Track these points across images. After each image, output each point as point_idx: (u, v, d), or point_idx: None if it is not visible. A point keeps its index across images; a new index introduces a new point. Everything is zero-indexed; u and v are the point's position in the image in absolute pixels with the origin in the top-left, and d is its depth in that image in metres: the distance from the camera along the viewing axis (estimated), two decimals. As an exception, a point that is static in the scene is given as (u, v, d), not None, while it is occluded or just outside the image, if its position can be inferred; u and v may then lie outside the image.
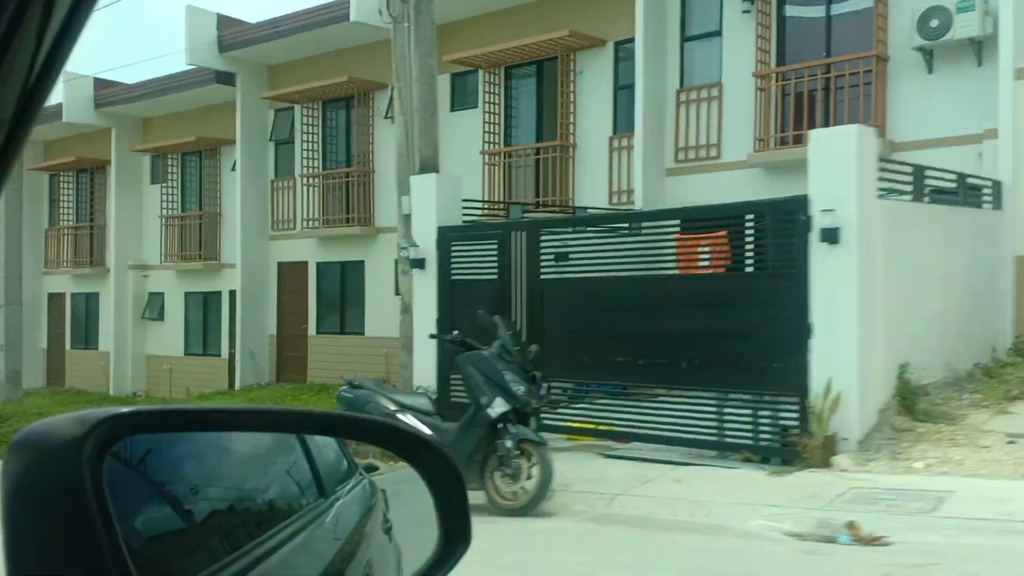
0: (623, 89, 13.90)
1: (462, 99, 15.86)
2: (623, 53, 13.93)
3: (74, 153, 21.82)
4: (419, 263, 9.86)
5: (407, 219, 10.26)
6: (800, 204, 7.46)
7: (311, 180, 17.68)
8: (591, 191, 13.88)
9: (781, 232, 7.58)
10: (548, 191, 14.41)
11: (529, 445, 6.32)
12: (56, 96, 21.62)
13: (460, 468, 1.24)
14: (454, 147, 15.66)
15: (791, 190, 9.25)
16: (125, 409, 0.80)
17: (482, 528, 1.27)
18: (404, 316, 10.12)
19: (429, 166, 10.30)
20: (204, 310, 20.09)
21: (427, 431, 6.62)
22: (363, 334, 17.08)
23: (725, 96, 12.79)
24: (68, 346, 22.97)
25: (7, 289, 14.57)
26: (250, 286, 18.26)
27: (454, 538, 1.19)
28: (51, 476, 0.69)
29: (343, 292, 17.62)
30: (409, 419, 6.72)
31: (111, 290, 21.20)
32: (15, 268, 14.68)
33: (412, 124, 10.20)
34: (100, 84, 20.78)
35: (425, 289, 9.97)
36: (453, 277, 9.83)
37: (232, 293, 19.25)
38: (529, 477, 6.28)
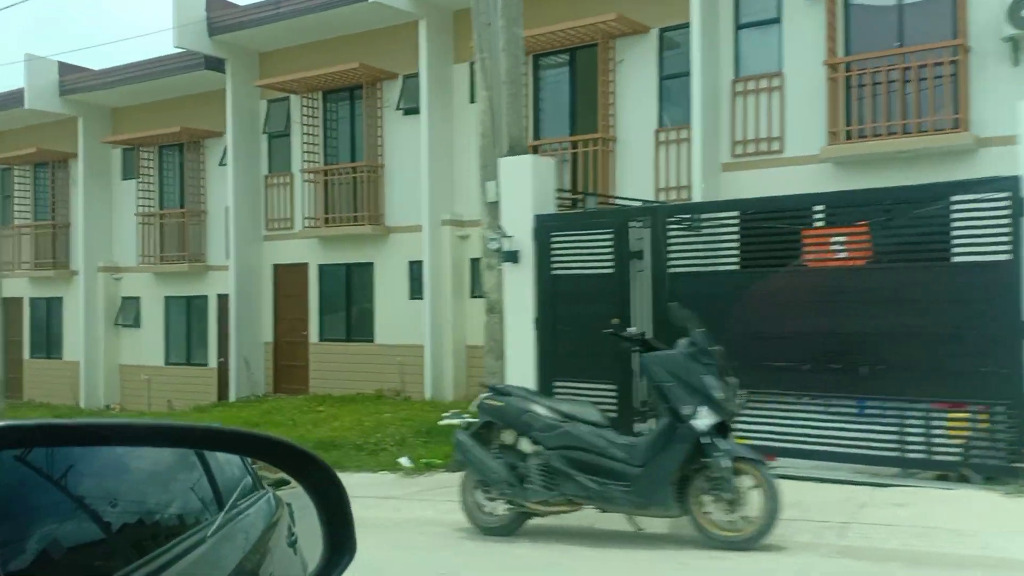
0: (669, 79, 13.06)
1: (485, 89, 14.78)
2: (667, 41, 13.09)
3: (33, 144, 19.97)
4: (512, 256, 8.73)
5: (492, 207, 9.16)
6: (1011, 184, 6.59)
7: (312, 176, 16.37)
8: (633, 187, 12.97)
9: (986, 216, 6.67)
10: (586, 187, 13.47)
11: (745, 464, 5.36)
12: (15, 80, 19.78)
13: (340, 481, 1.23)
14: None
15: (866, 186, 8.56)
16: None
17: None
18: (490, 317, 9.04)
19: (518, 147, 9.22)
20: (187, 316, 18.55)
21: (601, 444, 5.64)
22: (372, 341, 15.88)
23: (787, 86, 12.05)
24: (27, 355, 21.08)
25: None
26: (243, 290, 16.86)
27: (339, 549, 1.25)
28: None
29: (349, 296, 16.37)
30: (580, 431, 5.72)
31: (79, 294, 19.46)
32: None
33: (499, 99, 9.10)
34: (65, 69, 19.02)
35: (519, 285, 8.83)
36: (554, 271, 8.73)
37: (220, 297, 17.81)
38: (746, 503, 5.32)
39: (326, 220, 16.25)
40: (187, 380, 18.23)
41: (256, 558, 1.49)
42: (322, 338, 16.55)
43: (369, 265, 15.96)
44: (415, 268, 15.27)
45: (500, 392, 6.13)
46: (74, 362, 19.61)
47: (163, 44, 33.26)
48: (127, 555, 1.05)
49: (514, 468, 5.84)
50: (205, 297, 18.18)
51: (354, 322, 16.28)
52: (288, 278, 17.02)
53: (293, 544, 1.70)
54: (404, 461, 8.60)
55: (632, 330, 6.19)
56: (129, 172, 19.37)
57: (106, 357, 19.29)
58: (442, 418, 9.00)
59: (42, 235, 20.76)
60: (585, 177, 13.54)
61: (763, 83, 12.23)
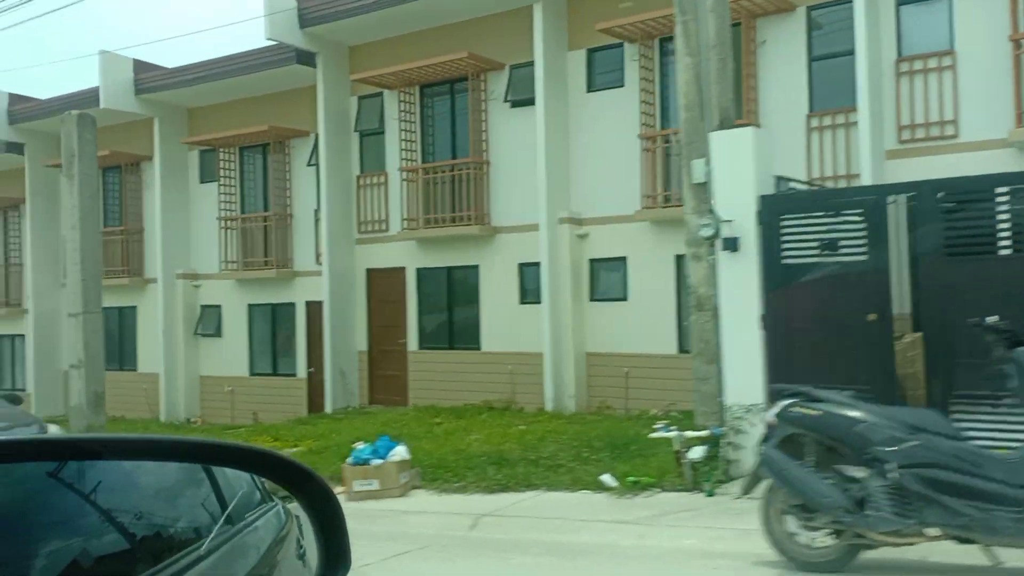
0: (819, 61, 12.01)
1: (603, 78, 13.80)
2: (815, 21, 12.05)
3: (104, 147, 19.16)
4: (730, 244, 7.63)
5: (700, 189, 8.13)
6: None
7: (410, 174, 15.44)
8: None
9: None
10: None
11: None
12: (90, 80, 19.03)
13: (335, 496, 1.24)
14: (596, 130, 13.65)
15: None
16: None
17: None
18: (698, 314, 8.01)
19: (727, 120, 8.20)
20: (273, 324, 17.69)
21: (969, 461, 4.58)
22: (479, 348, 14.91)
23: (959, 65, 10.96)
24: (68, 368, 20.23)
25: (85, 292, 12.01)
26: (337, 296, 15.96)
27: (334, 561, 1.27)
28: None
29: (451, 301, 15.42)
30: (939, 444, 4.64)
31: (157, 303, 18.66)
32: (92, 267, 12.14)
33: (707, 66, 8.09)
34: (140, 67, 18.26)
35: (739, 277, 7.72)
36: (785, 260, 7.63)
37: (310, 304, 16.95)
38: None
39: (425, 221, 15.32)
40: (274, 391, 17.37)
41: (265, 570, 1.48)
42: (422, 346, 15.61)
43: (473, 268, 15.00)
44: (526, 271, 14.31)
45: (810, 398, 5.06)
46: (150, 374, 18.81)
47: (236, 40, 32.28)
48: (140, 567, 1.05)
49: (846, 490, 4.80)
50: (292, 304, 17.31)
51: (457, 329, 15.33)
52: (383, 283, 16.10)
53: (302, 556, 1.67)
54: (607, 479, 7.62)
55: (994, 320, 5.10)
56: (208, 175, 18.56)
57: (186, 368, 18.48)
58: (654, 431, 8.02)
59: (112, 242, 19.98)
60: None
61: (932, 62, 11.14)
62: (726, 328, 7.71)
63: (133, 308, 19.64)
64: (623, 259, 13.40)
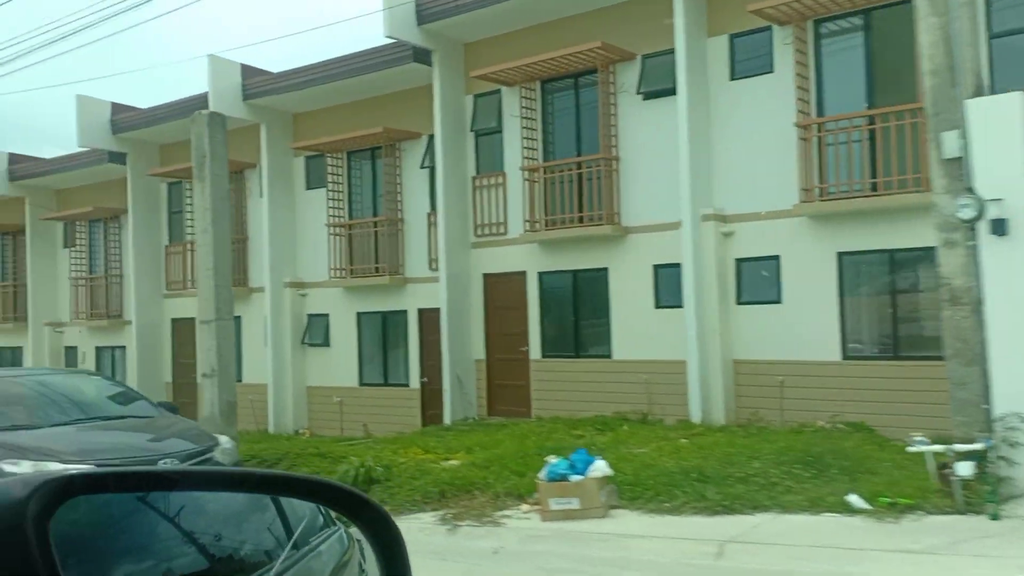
0: (1000, 38, 10.92)
1: (748, 64, 12.89)
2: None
3: (182, 161, 18.85)
4: (998, 226, 6.65)
5: (952, 165, 7.17)
6: None
7: (532, 174, 14.71)
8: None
9: None
10: (890, 169, 11.41)
11: None
12: (189, 90, 18.76)
13: (393, 521, 1.25)
14: (741, 120, 12.74)
15: None
16: (72, 471, 0.88)
17: None
18: (953, 309, 7.04)
19: (982, 86, 7.25)
20: (384, 333, 17.10)
21: None
22: (609, 356, 14.05)
23: None
24: (200, 378, 19.92)
25: (217, 298, 11.51)
26: (454, 303, 15.28)
27: None
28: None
29: (577, 307, 14.60)
30: None
31: (258, 312, 18.26)
32: (224, 272, 11.63)
33: (958, 26, 7.16)
34: (248, 72, 17.94)
35: (1010, 265, 6.74)
36: None
37: (422, 312, 16.33)
38: None
39: (548, 222, 14.55)
40: (385, 402, 16.75)
41: None
42: (545, 354, 14.81)
43: (602, 271, 14.17)
44: (662, 272, 13.43)
45: None
46: (256, 384, 18.37)
47: (327, 45, 31.86)
48: None
49: None
50: (404, 312, 16.70)
51: (584, 336, 14.50)
52: (501, 288, 15.38)
53: None
54: (855, 500, 6.69)
55: None
56: (314, 181, 18.13)
57: (293, 379, 18.00)
58: (912, 444, 7.05)
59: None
60: (887, 158, 11.50)
61: None
62: (993, 324, 6.71)
63: (237, 318, 19.22)
64: (775, 258, 12.42)
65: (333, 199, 17.48)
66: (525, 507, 7.54)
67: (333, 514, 1.65)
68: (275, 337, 17.97)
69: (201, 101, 17.79)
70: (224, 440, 7.50)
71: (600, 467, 7.32)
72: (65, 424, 7.09)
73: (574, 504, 7.00)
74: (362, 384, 17.31)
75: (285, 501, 1.47)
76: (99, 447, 6.76)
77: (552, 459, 7.52)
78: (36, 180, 22.84)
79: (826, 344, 11.89)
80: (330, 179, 17.54)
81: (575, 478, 7.15)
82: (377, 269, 16.93)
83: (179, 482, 1.17)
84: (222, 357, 11.59)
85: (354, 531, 1.56)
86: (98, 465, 6.50)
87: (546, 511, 7.16)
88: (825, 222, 11.95)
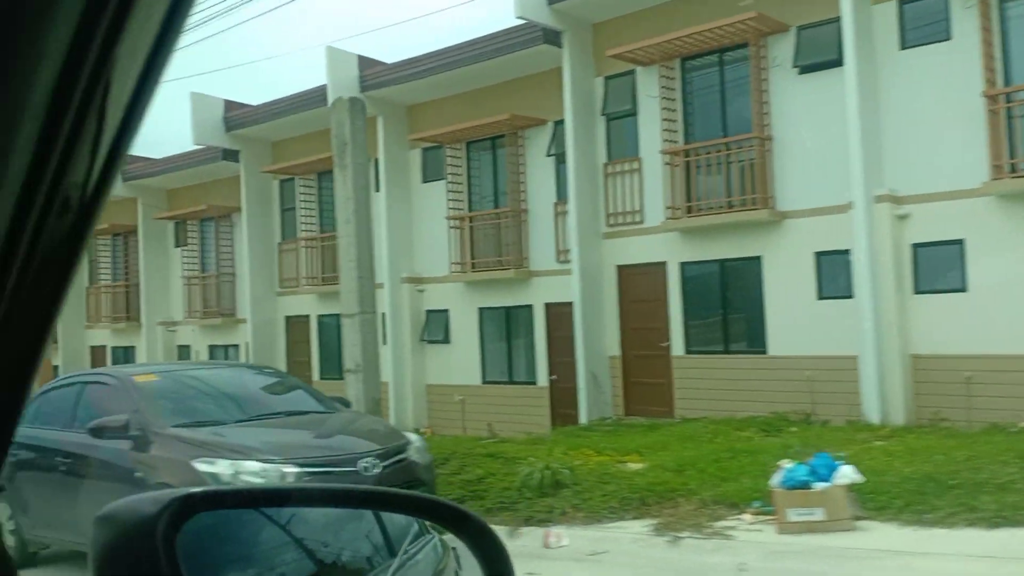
0: None
1: (920, 32, 11.77)
2: None
3: (321, 151, 18.51)
4: None
5: None
6: None
7: (673, 157, 13.83)
8: None
9: None
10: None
11: None
12: (297, 86, 18.46)
13: (495, 534, 1.27)
14: (914, 92, 11.65)
15: None
16: (195, 490, 0.93)
17: None
18: None
19: None
20: (508, 329, 16.45)
21: None
22: (764, 353, 13.07)
23: None
24: (316, 375, 19.68)
25: (360, 291, 10.99)
26: (586, 296, 14.51)
27: None
28: (131, 551, 0.77)
29: (725, 299, 13.66)
30: None
31: (381, 309, 17.73)
32: (366, 264, 11.10)
33: None
34: (364, 63, 17.50)
35: None
36: None
37: (549, 307, 15.62)
38: None
39: (690, 209, 13.66)
40: (510, 401, 16.09)
41: None
42: (689, 350, 13.91)
43: (754, 260, 13.19)
44: (825, 260, 12.41)
45: None
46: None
47: (433, 34, 30.75)
48: None
49: None
50: (529, 307, 16.01)
51: (734, 330, 13.56)
52: (637, 281, 14.53)
53: None
54: None
55: None
56: (431, 173, 17.59)
57: (412, 377, 17.50)
58: None
59: (329, 248, 19.38)
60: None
61: None
62: None
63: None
64: (959, 242, 11.28)
65: (453, 191, 16.90)
66: (747, 517, 6.72)
67: (425, 522, 1.64)
68: (394, 334, 17.49)
69: (319, 95, 17.46)
70: (414, 438, 6.91)
71: (847, 473, 6.43)
72: (247, 420, 6.58)
73: (818, 515, 6.13)
74: (485, 382, 16.69)
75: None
76: (294, 444, 6.22)
77: (787, 463, 6.66)
78: (148, 180, 22.96)
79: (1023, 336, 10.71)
80: (449, 170, 16.97)
81: (819, 486, 6.28)
82: (500, 263, 16.28)
83: (291, 498, 1.25)
84: (367, 352, 11.04)
85: (448, 539, 1.55)
86: (301, 465, 5.94)
87: (783, 522, 6.32)
88: (1018, 201, 10.77)
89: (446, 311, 17.30)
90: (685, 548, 6.29)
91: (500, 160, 16.59)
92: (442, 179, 17.13)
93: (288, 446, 6.18)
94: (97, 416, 6.66)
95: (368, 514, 1.46)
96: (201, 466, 5.82)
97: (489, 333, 16.71)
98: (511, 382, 16.34)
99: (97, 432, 6.34)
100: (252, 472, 5.82)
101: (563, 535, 6.87)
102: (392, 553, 1.49)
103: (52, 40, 0.45)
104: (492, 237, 16.47)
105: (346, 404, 8.25)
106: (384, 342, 17.52)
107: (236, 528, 1.11)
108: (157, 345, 22.86)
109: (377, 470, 6.14)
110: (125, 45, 0.48)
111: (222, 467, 5.82)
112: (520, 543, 6.92)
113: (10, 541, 7.24)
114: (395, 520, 1.53)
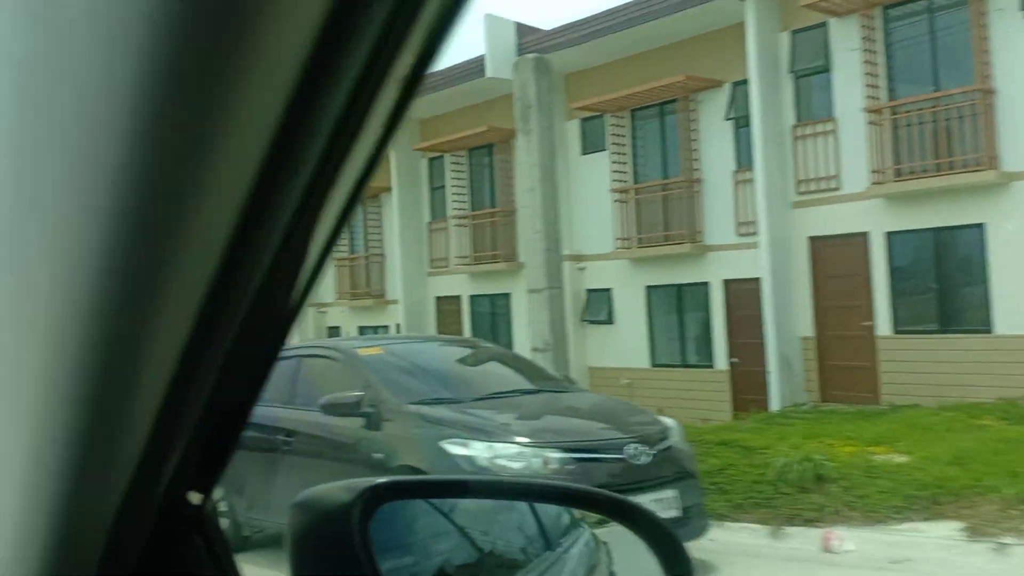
0: None
1: None
2: None
3: (480, 123, 17.90)
4: None
5: None
6: None
7: (876, 116, 12.45)
8: None
9: None
10: None
11: None
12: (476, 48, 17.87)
13: (667, 526, 1.24)
14: None
15: None
16: (383, 480, 0.95)
17: None
18: None
19: None
20: (679, 308, 15.42)
21: None
22: (989, 332, 11.59)
23: None
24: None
25: (548, 264, 10.26)
26: (777, 271, 13.31)
27: None
28: (328, 536, 0.81)
29: (940, 273, 12.22)
30: None
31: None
32: (553, 235, 10.32)
33: None
34: (523, 31, 16.76)
35: None
36: None
37: (727, 284, 14.49)
38: None
39: (899, 171, 12.26)
40: (683, 385, 15.05)
41: None
42: (898, 330, 12.53)
43: (976, 228, 11.71)
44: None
45: None
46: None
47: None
48: None
49: None
50: (705, 285, 14.92)
51: (951, 307, 12.11)
52: (832, 253, 13.22)
53: None
54: None
55: None
56: (591, 144, 16.67)
57: (574, 359, 16.68)
58: None
59: (480, 226, 18.82)
60: None
61: None
62: None
63: (506, 295, 18.26)
64: None
65: (617, 162, 15.95)
66: None
67: (577, 515, 1.53)
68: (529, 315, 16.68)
69: (474, 66, 16.85)
70: (670, 422, 6.08)
71: None
72: (483, 399, 5.87)
73: None
74: (654, 365, 15.71)
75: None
76: (549, 427, 5.47)
77: None
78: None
79: None
80: (612, 140, 16.02)
81: None
82: (669, 237, 15.25)
83: (469, 489, 1.29)
84: (556, 330, 10.29)
85: (600, 532, 1.51)
86: (564, 450, 5.18)
87: None
88: None
89: (608, 290, 16.40)
90: (1020, 557, 5.21)
91: (669, 127, 15.52)
92: (603, 150, 16.21)
93: (543, 429, 5.43)
94: (319, 392, 6.09)
95: (520, 505, 1.40)
96: (454, 448, 5.13)
97: (658, 313, 15.71)
98: (684, 365, 15.30)
99: (330, 409, 5.76)
100: (509, 456, 5.10)
101: (845, 537, 5.88)
102: (549, 545, 1.43)
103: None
104: (660, 210, 15.43)
105: (572, 382, 7.48)
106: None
107: (400, 516, 1.08)
108: (308, 326, 22.91)
109: (646, 458, 5.31)
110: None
111: (478, 450, 5.11)
112: (790, 545, 5.99)
113: (223, 523, 6.79)
114: (549, 512, 1.48)
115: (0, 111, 0.39)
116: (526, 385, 6.43)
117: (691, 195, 15.03)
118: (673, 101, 15.14)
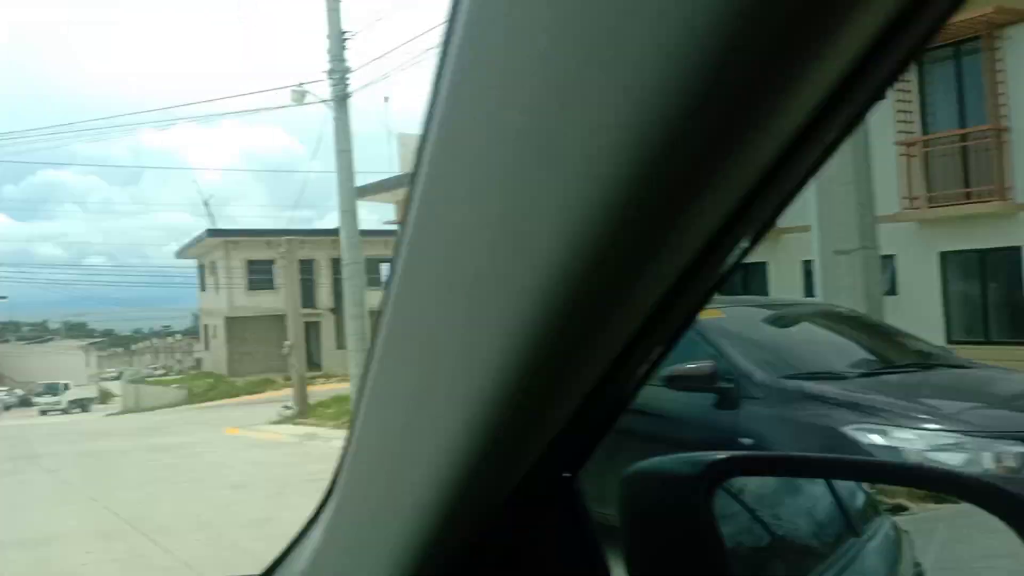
0: None
1: None
2: None
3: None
4: None
5: None
6: None
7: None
8: None
9: None
10: None
11: None
12: None
13: None
14: None
15: None
16: (723, 455, 0.88)
17: None
18: None
19: None
20: (981, 278, 13.48)
21: None
22: None
23: None
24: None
25: (860, 220, 9.01)
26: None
27: None
28: (672, 506, 0.79)
29: None
30: None
31: (799, 257, 15.57)
32: (865, 187, 9.02)
33: None
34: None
35: None
36: None
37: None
38: None
39: None
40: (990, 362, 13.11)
41: None
42: None
43: None
44: None
45: None
46: None
47: None
48: (777, 564, 1.17)
49: None
50: (1017, 249, 12.88)
51: None
52: None
53: None
54: None
55: None
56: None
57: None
58: None
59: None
60: None
61: None
62: None
63: (762, 264, 16.89)
64: None
65: (902, 111, 14.09)
66: None
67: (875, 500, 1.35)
68: (823, 284, 15.17)
69: None
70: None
71: None
72: (872, 375, 4.91)
73: None
74: (951, 342, 13.82)
75: (841, 486, 1.24)
76: (985, 413, 4.43)
77: None
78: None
79: None
80: (897, 86, 14.16)
81: None
82: (969, 195, 13.26)
83: (811, 466, 1.18)
84: (871, 299, 9.00)
85: (899, 520, 1.35)
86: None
87: None
88: None
89: (891, 256, 14.61)
90: None
91: (965, 70, 13.48)
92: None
93: (982, 415, 4.38)
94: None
95: (813, 489, 1.24)
96: (864, 436, 4.21)
97: (955, 282, 13.80)
98: (988, 342, 13.34)
99: (675, 381, 4.99)
100: (944, 447, 4.11)
101: None
102: (855, 533, 1.26)
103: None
104: (958, 164, 13.47)
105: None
106: (814, 295, 15.36)
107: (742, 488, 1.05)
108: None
109: None
110: None
111: (905, 438, 4.16)
112: None
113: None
114: (855, 498, 1.31)
115: (530, 100, 0.38)
116: (917, 359, 5.34)
117: (998, 146, 12.98)
118: (975, 39, 13.09)
